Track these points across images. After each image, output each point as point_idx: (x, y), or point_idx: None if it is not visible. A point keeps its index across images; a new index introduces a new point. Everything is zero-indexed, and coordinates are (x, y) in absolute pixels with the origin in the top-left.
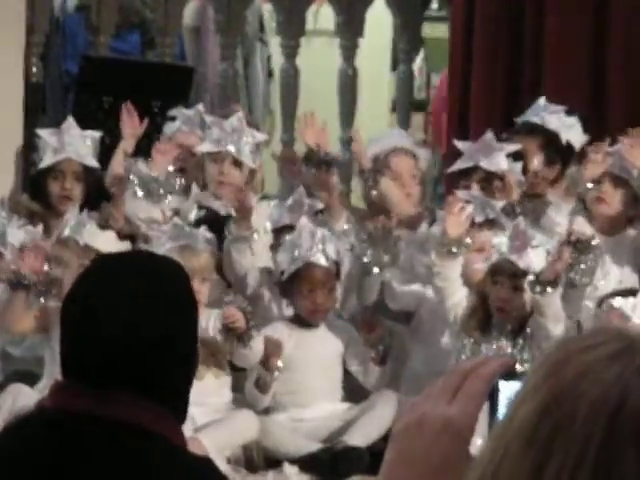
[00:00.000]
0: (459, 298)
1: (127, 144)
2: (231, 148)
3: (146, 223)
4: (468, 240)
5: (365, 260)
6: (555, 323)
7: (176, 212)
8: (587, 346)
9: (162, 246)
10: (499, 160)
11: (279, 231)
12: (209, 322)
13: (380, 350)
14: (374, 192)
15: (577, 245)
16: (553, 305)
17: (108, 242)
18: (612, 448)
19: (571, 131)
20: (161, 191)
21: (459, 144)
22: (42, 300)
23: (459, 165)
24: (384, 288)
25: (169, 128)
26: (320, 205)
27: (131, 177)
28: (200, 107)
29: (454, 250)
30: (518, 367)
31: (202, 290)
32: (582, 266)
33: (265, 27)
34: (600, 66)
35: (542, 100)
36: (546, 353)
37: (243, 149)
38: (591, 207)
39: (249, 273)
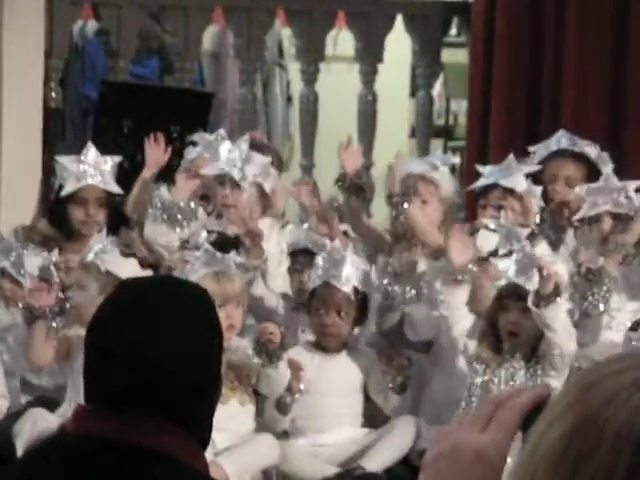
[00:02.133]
0: (465, 325)
1: (149, 172)
2: (230, 170)
3: (165, 249)
4: (473, 267)
5: (389, 295)
6: (568, 338)
7: (186, 240)
8: (613, 372)
9: (195, 272)
10: (518, 179)
11: (296, 254)
12: (238, 349)
13: (400, 380)
14: (401, 217)
15: (588, 276)
16: (560, 318)
17: (130, 270)
18: (638, 476)
19: (604, 165)
20: (181, 218)
21: (480, 167)
22: (59, 323)
23: (479, 183)
24: (404, 319)
25: (190, 153)
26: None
27: (154, 202)
28: (222, 132)
29: (459, 278)
30: None
31: (236, 315)
32: (595, 296)
33: (284, 52)
34: (620, 91)
35: (562, 132)
36: (573, 379)
37: (244, 172)
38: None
39: (266, 299)
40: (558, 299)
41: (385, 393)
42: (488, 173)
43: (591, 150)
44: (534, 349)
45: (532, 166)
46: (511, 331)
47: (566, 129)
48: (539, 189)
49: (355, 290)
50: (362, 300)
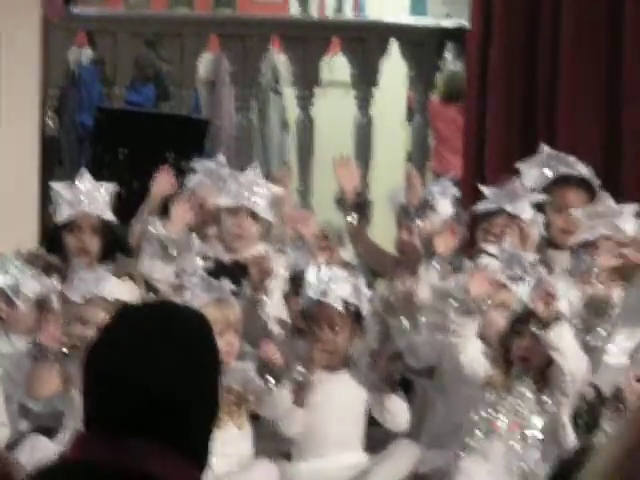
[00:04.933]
0: (473, 352)
1: (153, 204)
2: (248, 202)
3: (161, 283)
4: (488, 300)
5: (387, 325)
6: (578, 361)
7: (182, 269)
8: None
9: (197, 298)
10: (524, 206)
11: (295, 279)
12: (234, 373)
13: (389, 375)
14: (420, 226)
15: (595, 308)
16: (566, 340)
17: (130, 292)
18: None
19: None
20: (176, 252)
21: (484, 189)
22: (64, 364)
23: (483, 206)
24: (406, 346)
25: (191, 181)
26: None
27: (148, 237)
28: (221, 158)
29: (474, 309)
30: (537, 418)
31: (235, 342)
32: (598, 329)
33: (279, 78)
34: (615, 115)
35: (548, 151)
36: (616, 434)
37: (260, 202)
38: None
39: (264, 326)
40: (560, 322)
41: (381, 399)
42: (492, 197)
43: (585, 171)
44: (544, 377)
45: (537, 195)
46: (523, 356)
47: (562, 151)
48: (541, 217)
49: (346, 304)
50: (355, 313)
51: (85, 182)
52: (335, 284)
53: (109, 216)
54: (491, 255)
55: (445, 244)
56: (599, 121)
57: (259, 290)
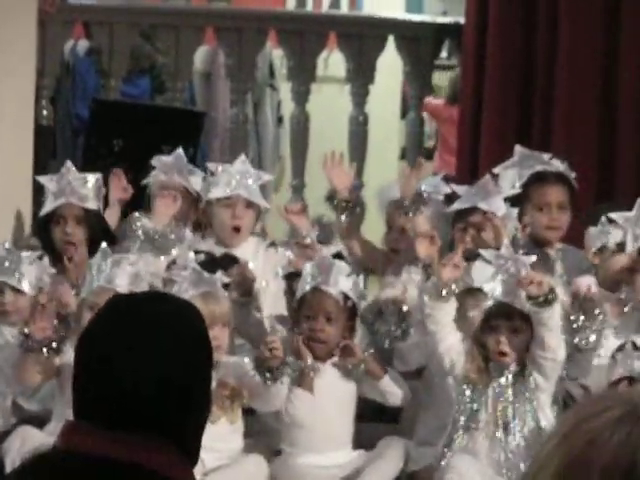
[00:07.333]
0: (451, 342)
1: (113, 211)
2: (242, 191)
3: (153, 276)
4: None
5: (375, 332)
6: (560, 343)
7: (173, 261)
8: (593, 413)
9: (185, 292)
10: (498, 203)
11: (292, 277)
12: (228, 367)
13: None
14: (409, 224)
15: (584, 306)
16: (556, 319)
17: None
18: None
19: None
20: (165, 244)
21: (457, 188)
22: (56, 360)
23: (457, 206)
24: (393, 351)
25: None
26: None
27: (137, 232)
28: (180, 152)
29: (445, 293)
30: (517, 409)
31: (222, 336)
32: (587, 330)
33: (275, 73)
34: (611, 111)
35: (523, 150)
36: (557, 423)
37: (253, 190)
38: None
39: (260, 325)
40: (556, 302)
41: (373, 385)
42: (466, 195)
43: (562, 166)
44: (522, 368)
45: (512, 190)
46: (500, 351)
47: (557, 150)
48: (515, 211)
49: (345, 297)
50: (352, 308)
51: (69, 173)
52: (338, 275)
53: (93, 205)
54: (488, 262)
55: (426, 250)
56: (595, 116)
57: (244, 295)
